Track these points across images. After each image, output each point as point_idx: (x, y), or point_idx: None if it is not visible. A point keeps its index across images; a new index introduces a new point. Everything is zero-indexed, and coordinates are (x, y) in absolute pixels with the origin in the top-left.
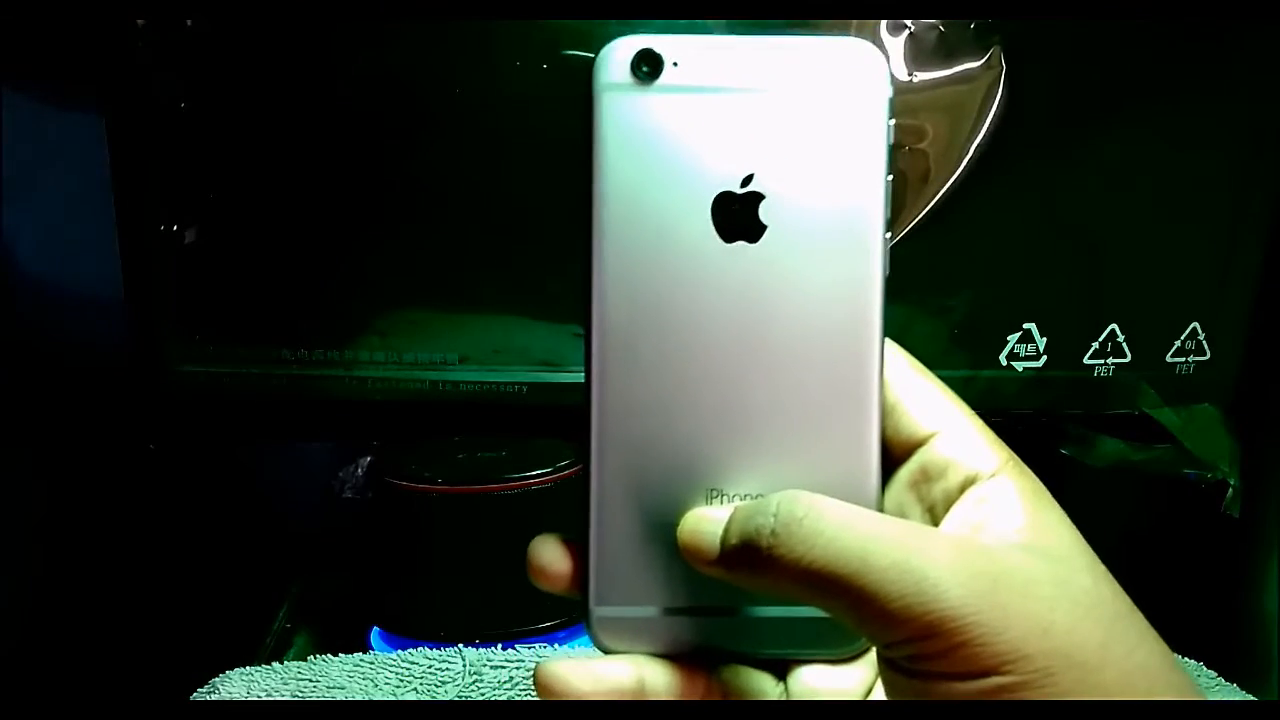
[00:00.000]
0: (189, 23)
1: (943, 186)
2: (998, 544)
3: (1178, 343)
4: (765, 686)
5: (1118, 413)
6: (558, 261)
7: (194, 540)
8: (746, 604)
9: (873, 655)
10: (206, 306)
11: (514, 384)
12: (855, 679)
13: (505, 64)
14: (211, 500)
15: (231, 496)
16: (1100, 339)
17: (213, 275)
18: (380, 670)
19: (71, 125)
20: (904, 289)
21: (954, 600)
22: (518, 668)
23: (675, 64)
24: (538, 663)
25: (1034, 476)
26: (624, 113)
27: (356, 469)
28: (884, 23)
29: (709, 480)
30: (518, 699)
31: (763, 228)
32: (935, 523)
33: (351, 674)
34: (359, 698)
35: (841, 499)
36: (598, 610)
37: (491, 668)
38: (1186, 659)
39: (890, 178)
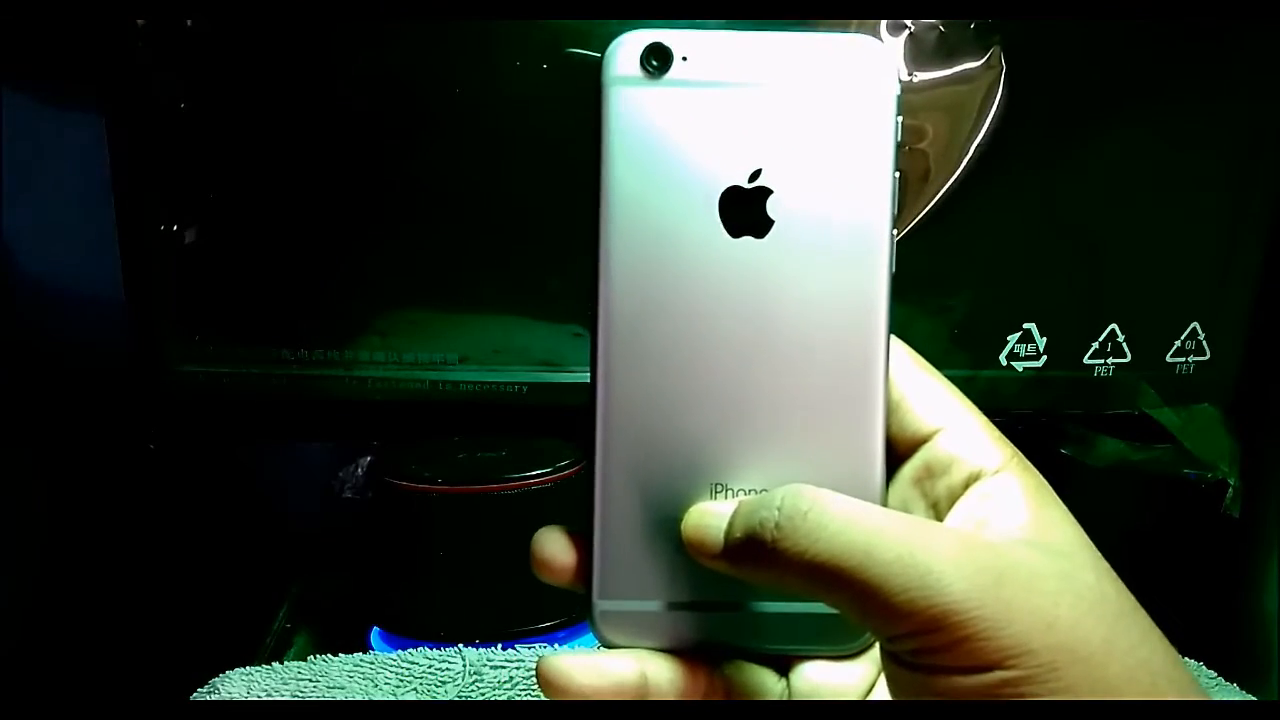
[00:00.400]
0: (189, 23)
1: (943, 186)
2: (1002, 539)
3: (1178, 343)
4: (768, 682)
5: (1118, 413)
6: (558, 261)
7: (194, 540)
8: (750, 599)
9: (875, 652)
10: (206, 306)
11: (514, 384)
12: (858, 675)
13: (505, 64)
14: (211, 500)
15: (231, 496)
16: (1100, 339)
17: (212, 275)
18: (380, 670)
19: (71, 125)
20: (904, 289)
21: (958, 594)
22: (518, 668)
23: (685, 58)
24: (540, 657)
25: (1037, 473)
26: (632, 106)
27: (356, 469)
28: (884, 23)
29: (713, 474)
30: (518, 699)
31: (770, 223)
32: (939, 519)
33: (351, 674)
34: (359, 698)
35: (846, 494)
36: (601, 604)
37: (491, 668)
38: (1187, 659)
39: (897, 175)
